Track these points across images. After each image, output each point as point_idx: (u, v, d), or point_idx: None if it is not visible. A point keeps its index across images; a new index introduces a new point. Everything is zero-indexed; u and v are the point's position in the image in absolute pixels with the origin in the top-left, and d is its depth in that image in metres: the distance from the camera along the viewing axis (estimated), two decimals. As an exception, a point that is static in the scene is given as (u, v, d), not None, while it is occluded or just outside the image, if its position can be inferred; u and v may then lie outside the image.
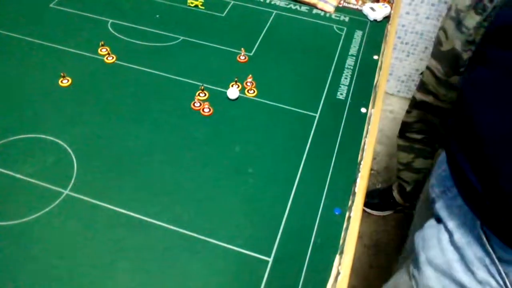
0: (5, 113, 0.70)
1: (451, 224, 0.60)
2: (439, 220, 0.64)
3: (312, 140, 0.70)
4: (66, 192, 0.62)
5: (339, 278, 0.55)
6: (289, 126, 0.71)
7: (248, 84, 0.77)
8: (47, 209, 0.60)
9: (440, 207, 0.63)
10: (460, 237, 0.58)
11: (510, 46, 0.49)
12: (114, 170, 0.64)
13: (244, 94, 0.76)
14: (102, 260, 0.55)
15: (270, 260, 0.57)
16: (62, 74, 0.75)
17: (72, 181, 0.63)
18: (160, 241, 0.57)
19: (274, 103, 0.75)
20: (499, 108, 0.50)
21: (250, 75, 0.77)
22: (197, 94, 0.74)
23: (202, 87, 0.75)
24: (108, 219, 0.59)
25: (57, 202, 0.61)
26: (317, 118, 0.73)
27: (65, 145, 0.67)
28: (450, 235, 0.60)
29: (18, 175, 0.63)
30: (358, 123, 0.73)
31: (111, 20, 0.87)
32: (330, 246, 0.58)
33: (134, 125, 0.70)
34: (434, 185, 0.67)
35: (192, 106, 0.73)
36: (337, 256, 0.57)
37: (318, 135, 0.71)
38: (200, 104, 0.73)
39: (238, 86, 0.76)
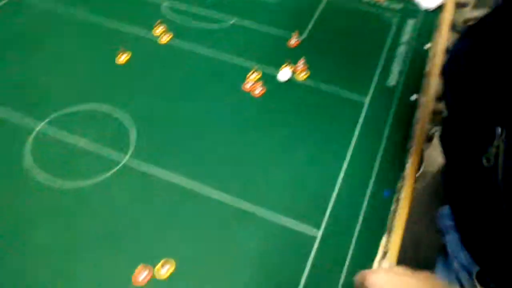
0: (68, 85, 0.74)
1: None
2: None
3: (362, 125, 0.70)
4: (124, 160, 0.65)
5: (387, 256, 0.56)
6: (339, 110, 0.72)
7: (299, 67, 0.78)
8: (107, 175, 0.63)
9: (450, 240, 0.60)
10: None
11: None
12: (170, 143, 0.67)
13: (295, 77, 0.77)
14: (157, 227, 0.58)
15: (319, 235, 0.58)
16: (120, 50, 0.78)
17: (131, 150, 0.66)
18: (212, 212, 0.60)
19: (324, 87, 0.76)
20: None
21: (302, 58, 0.78)
22: (248, 75, 0.76)
23: (255, 68, 0.76)
24: (163, 188, 0.62)
25: (116, 169, 0.64)
26: (367, 103, 0.74)
27: (124, 117, 0.70)
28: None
29: (80, 143, 0.66)
30: (408, 110, 0.73)
31: (165, 3, 0.90)
32: (378, 225, 0.59)
33: (187, 103, 0.72)
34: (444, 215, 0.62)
35: (244, 87, 0.75)
36: (385, 236, 0.58)
37: (368, 120, 0.71)
38: (252, 85, 0.75)
39: (289, 69, 0.77)
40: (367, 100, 0.74)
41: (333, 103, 0.73)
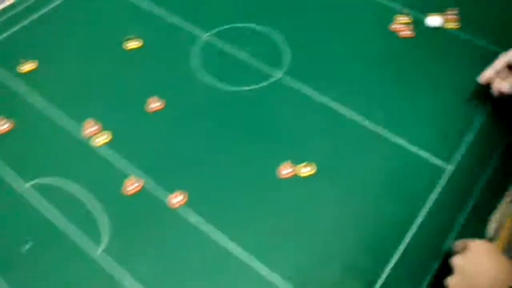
0: (234, 4, 0.83)
1: None
2: None
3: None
4: (279, 75, 0.73)
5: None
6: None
7: (450, 15, 0.79)
8: (263, 84, 0.71)
9: None
10: None
11: None
12: (321, 68, 0.73)
13: (445, 25, 0.78)
14: (305, 136, 0.66)
15: (448, 168, 0.62)
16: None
17: (285, 68, 0.73)
18: (353, 133, 0.66)
19: (476, 39, 0.76)
20: None
21: (457, 8, 0.79)
22: (397, 16, 0.79)
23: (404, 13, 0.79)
24: (315, 107, 0.69)
25: (271, 81, 0.72)
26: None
27: (280, 39, 0.77)
28: None
29: (239, 55, 0.75)
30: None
31: None
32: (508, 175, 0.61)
33: (336, 35, 0.78)
34: None
35: (391, 27, 0.79)
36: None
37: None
38: (400, 27, 0.78)
39: (440, 16, 0.79)
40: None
41: (482, 59, 0.73)
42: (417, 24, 0.79)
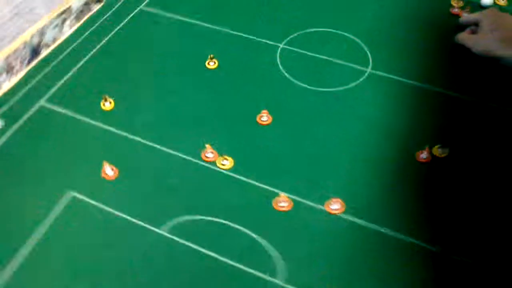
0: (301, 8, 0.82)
1: None
2: None
3: None
4: (368, 70, 0.72)
5: None
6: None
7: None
8: (358, 81, 0.70)
9: None
10: None
11: None
12: (402, 58, 0.74)
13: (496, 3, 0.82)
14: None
15: None
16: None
17: (370, 63, 0.73)
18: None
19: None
20: None
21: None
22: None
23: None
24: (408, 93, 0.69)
25: (362, 78, 0.71)
26: None
27: (354, 37, 0.77)
28: None
29: (321, 56, 0.74)
30: None
31: None
32: None
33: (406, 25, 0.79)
34: None
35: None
36: None
37: None
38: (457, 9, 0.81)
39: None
40: None
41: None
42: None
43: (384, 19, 0.80)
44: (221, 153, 0.60)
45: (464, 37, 0.74)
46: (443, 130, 0.64)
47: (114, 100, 0.67)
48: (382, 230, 0.54)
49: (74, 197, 0.57)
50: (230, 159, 0.60)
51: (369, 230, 0.54)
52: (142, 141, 0.63)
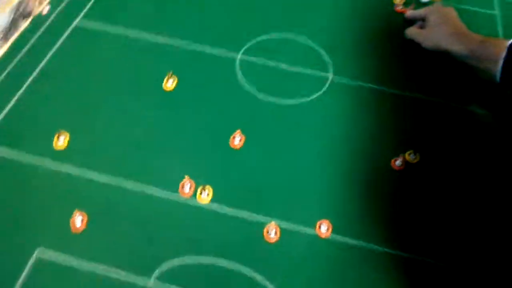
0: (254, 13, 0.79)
1: None
2: None
3: None
4: (330, 76, 0.71)
5: None
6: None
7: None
8: (321, 91, 0.69)
9: None
10: None
11: None
12: (362, 58, 0.74)
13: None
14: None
15: None
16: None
17: (331, 68, 0.72)
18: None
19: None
20: None
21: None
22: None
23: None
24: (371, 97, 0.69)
25: (326, 86, 0.70)
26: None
27: (310, 42, 0.76)
28: None
29: (282, 65, 0.72)
30: None
31: None
32: None
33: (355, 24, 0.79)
34: None
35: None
36: None
37: None
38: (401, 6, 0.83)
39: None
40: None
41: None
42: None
43: (336, 20, 0.80)
44: (198, 183, 0.57)
45: (413, 32, 0.76)
46: (411, 134, 0.66)
47: (69, 134, 0.60)
48: (372, 246, 0.55)
49: (40, 258, 0.51)
50: (209, 188, 0.57)
51: (360, 248, 0.54)
52: (109, 179, 0.57)
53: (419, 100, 0.70)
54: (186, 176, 0.57)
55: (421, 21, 0.77)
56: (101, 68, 0.69)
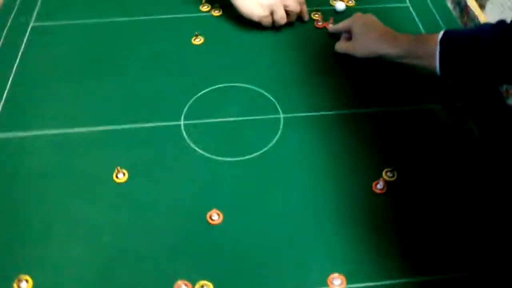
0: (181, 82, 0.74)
1: None
2: None
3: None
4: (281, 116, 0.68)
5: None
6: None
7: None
8: (278, 135, 0.67)
9: None
10: None
11: None
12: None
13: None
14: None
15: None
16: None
17: (279, 109, 0.70)
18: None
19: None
20: None
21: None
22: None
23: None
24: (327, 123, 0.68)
25: (280, 128, 0.67)
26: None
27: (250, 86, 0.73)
28: None
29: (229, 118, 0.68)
30: None
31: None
32: None
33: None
34: None
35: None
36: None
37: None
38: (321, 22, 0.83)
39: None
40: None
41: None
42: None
43: (266, 60, 0.77)
44: (193, 283, 0.51)
45: (343, 46, 0.76)
46: (380, 149, 0.65)
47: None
48: (391, 281, 0.52)
49: None
50: (209, 284, 0.51)
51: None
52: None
53: (374, 114, 0.69)
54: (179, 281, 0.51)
55: (346, 33, 0.77)
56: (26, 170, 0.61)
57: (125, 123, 0.67)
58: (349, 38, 0.76)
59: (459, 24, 0.86)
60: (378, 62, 0.73)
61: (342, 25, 0.78)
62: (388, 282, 0.52)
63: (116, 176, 0.61)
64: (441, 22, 0.82)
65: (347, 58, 0.75)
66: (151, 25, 0.81)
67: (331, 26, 0.81)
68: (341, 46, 0.76)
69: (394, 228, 0.57)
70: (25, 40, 0.78)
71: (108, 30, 0.80)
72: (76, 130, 0.66)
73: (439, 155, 0.64)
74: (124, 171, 0.61)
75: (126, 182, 0.61)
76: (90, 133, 0.66)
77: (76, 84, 0.72)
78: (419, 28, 0.82)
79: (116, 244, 0.55)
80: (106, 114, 0.68)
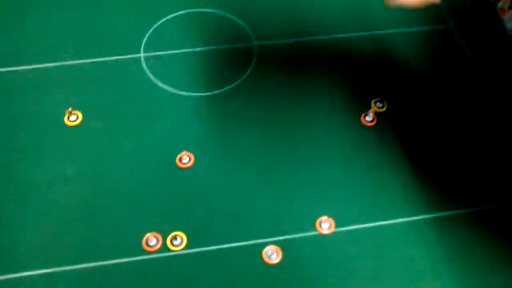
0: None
1: None
2: None
3: None
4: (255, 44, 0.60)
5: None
6: None
7: None
8: (251, 66, 0.59)
9: None
10: None
11: None
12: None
13: None
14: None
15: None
16: None
17: (252, 36, 0.61)
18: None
19: None
20: None
21: None
22: None
23: None
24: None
25: (254, 58, 0.59)
26: None
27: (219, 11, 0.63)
28: None
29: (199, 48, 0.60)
30: None
31: None
32: None
33: None
34: None
35: None
36: None
37: None
38: None
39: None
40: None
41: None
42: None
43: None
44: (165, 234, 0.45)
45: None
46: (369, 80, 0.58)
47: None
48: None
49: None
50: (182, 235, 0.45)
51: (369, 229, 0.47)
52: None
53: (360, 39, 0.62)
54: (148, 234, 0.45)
55: None
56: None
57: (76, 59, 0.58)
58: None
59: None
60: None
61: None
62: (378, 223, 0.47)
63: (68, 119, 0.52)
64: None
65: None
66: None
67: None
68: None
69: (386, 165, 0.51)
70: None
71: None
72: (22, 68, 0.57)
73: (432, 82, 0.58)
74: (77, 112, 0.53)
75: (79, 125, 0.52)
76: (37, 71, 0.56)
77: (19, 20, 0.61)
78: None
79: (72, 200, 0.48)
80: (55, 50, 0.58)
